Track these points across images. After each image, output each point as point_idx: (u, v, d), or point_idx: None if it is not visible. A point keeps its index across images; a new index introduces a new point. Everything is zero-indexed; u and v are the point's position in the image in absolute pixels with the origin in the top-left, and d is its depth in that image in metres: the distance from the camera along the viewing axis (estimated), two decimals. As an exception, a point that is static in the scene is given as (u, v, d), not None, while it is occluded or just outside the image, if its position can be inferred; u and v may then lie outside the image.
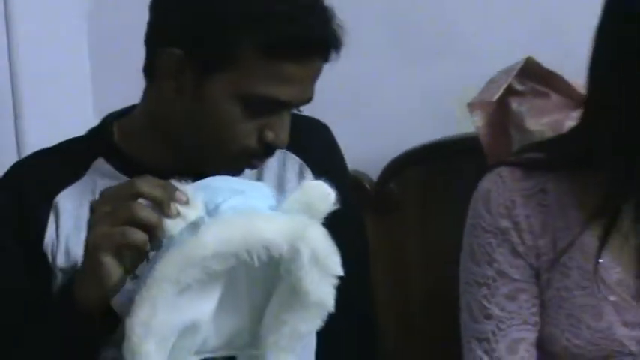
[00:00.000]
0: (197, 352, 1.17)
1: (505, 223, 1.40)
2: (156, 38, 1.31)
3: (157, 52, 1.28)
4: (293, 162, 1.45)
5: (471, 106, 1.59)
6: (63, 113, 1.93)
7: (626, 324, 1.38)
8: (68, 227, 1.34)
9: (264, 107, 1.29)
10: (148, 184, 1.09)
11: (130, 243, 1.09)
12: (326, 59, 1.29)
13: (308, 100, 1.32)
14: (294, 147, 1.43)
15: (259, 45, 1.25)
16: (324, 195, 1.16)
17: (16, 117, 1.93)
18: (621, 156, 1.33)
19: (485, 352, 1.41)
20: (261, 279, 1.17)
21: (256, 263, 1.10)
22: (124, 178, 1.28)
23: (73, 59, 1.99)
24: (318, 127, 1.53)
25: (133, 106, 1.40)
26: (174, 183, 1.11)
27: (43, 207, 1.34)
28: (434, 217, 1.78)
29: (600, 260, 1.37)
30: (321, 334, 1.34)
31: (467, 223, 1.44)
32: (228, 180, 1.18)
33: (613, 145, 1.33)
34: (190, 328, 1.15)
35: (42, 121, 1.91)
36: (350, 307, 1.34)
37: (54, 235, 1.34)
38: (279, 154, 1.41)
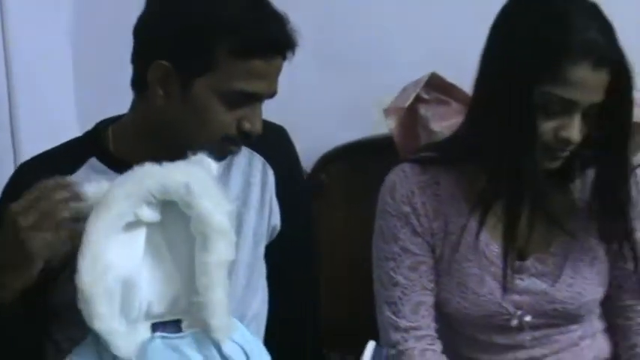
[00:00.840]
0: (146, 319, 1.18)
1: (406, 209, 1.49)
2: (143, 54, 1.34)
3: (145, 65, 1.31)
4: (257, 161, 1.49)
5: (387, 111, 1.68)
6: (51, 122, 1.96)
7: (504, 288, 1.48)
8: None
9: (241, 100, 1.32)
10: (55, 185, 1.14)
11: (63, 217, 1.13)
12: (284, 57, 1.34)
13: (274, 93, 1.36)
14: (258, 148, 1.46)
15: (233, 49, 1.29)
16: (204, 159, 1.23)
17: (13, 129, 1.92)
18: (494, 158, 1.41)
19: (393, 313, 1.50)
20: (179, 242, 1.19)
21: (154, 198, 1.14)
22: (114, 175, 1.27)
23: (59, 73, 2.02)
24: (278, 130, 1.56)
25: (121, 115, 1.42)
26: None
27: None
28: (355, 202, 1.84)
29: (480, 240, 1.47)
30: (276, 292, 1.49)
31: (377, 208, 1.52)
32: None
33: (488, 148, 1.42)
34: (129, 284, 1.17)
35: (35, 131, 1.92)
36: (298, 269, 1.54)
37: None
38: (246, 153, 1.45)
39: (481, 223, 1.45)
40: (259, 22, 1.31)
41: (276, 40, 1.32)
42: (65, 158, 1.40)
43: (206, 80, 1.31)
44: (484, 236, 1.48)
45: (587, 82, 1.35)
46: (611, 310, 1.58)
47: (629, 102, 1.39)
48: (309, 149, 1.79)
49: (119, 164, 1.33)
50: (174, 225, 1.18)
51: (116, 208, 1.14)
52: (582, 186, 1.52)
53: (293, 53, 1.34)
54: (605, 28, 1.35)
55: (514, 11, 1.41)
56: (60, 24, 2.05)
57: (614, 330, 1.58)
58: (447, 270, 1.49)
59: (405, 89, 1.71)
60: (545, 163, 1.42)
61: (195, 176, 1.17)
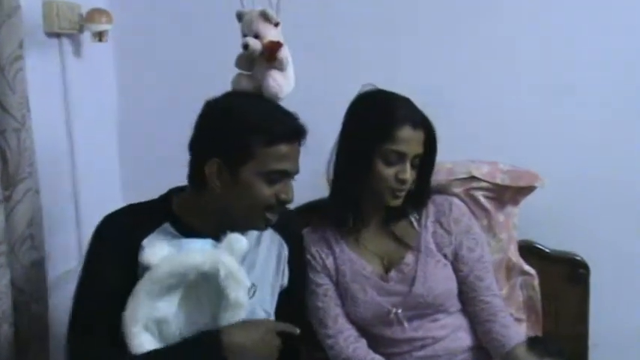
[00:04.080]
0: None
1: (308, 257, 1.94)
2: (198, 157, 1.59)
3: (200, 164, 1.55)
4: (277, 240, 1.78)
5: (328, 180, 1.94)
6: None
7: (380, 294, 1.87)
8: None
9: (276, 177, 1.58)
10: None
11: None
12: (301, 144, 1.60)
13: (297, 170, 1.62)
14: (279, 230, 1.76)
15: (265, 141, 1.55)
16: (237, 238, 1.52)
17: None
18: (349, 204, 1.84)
19: (323, 326, 1.90)
20: (213, 292, 1.50)
21: (191, 276, 1.42)
22: (181, 237, 1.56)
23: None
24: (292, 216, 1.84)
25: (184, 187, 1.66)
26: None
27: (134, 247, 1.58)
28: None
29: (358, 264, 1.88)
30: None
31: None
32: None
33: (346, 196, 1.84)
34: (163, 320, 1.48)
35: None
36: (296, 314, 1.83)
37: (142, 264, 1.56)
38: (270, 233, 1.73)
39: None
40: (280, 119, 1.60)
41: (294, 128, 1.61)
42: (144, 218, 1.64)
43: (249, 167, 1.59)
44: (360, 262, 1.93)
45: (411, 138, 1.79)
46: (465, 302, 1.95)
47: (434, 150, 1.84)
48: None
49: (186, 230, 1.62)
50: (207, 285, 1.50)
51: (159, 283, 1.45)
52: (421, 215, 1.92)
53: (305, 140, 1.63)
54: (411, 107, 1.80)
55: (357, 106, 1.86)
56: (105, 108, 2.34)
57: (475, 321, 1.93)
58: (343, 289, 1.91)
59: None
60: (391, 201, 1.84)
61: (224, 261, 1.46)
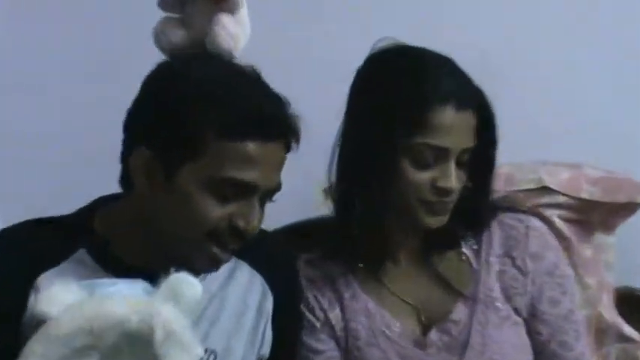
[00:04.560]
0: None
1: (301, 309, 1.57)
2: (127, 137, 1.35)
3: (128, 151, 1.32)
4: (258, 282, 1.49)
5: (326, 192, 1.65)
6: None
7: None
8: None
9: (233, 192, 1.30)
10: None
11: None
12: (287, 147, 1.33)
13: (275, 188, 1.33)
14: (261, 268, 1.48)
15: (223, 129, 1.28)
16: (187, 281, 1.24)
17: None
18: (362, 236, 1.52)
19: None
20: (145, 357, 1.22)
21: (110, 338, 1.18)
22: (102, 273, 1.32)
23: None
24: (286, 253, 1.57)
25: (117, 196, 1.41)
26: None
27: (24, 286, 1.33)
28: None
29: (380, 319, 1.55)
30: None
31: None
32: (115, 280, 1.28)
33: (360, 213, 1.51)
34: None
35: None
36: None
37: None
38: (247, 271, 1.47)
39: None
40: (253, 98, 1.30)
41: (273, 118, 1.31)
42: (47, 242, 1.38)
43: (193, 167, 1.29)
44: (383, 315, 1.57)
45: (455, 125, 1.46)
46: None
47: (492, 140, 1.52)
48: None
49: (110, 260, 1.35)
50: (134, 353, 1.22)
51: (58, 347, 1.20)
52: (480, 244, 1.60)
53: (297, 142, 1.33)
54: (460, 75, 1.49)
55: (373, 70, 1.52)
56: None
57: None
58: (355, 359, 1.58)
59: None
60: (427, 219, 1.50)
61: (163, 316, 1.18)
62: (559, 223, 1.89)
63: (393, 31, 1.59)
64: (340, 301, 1.61)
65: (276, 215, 1.58)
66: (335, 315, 1.60)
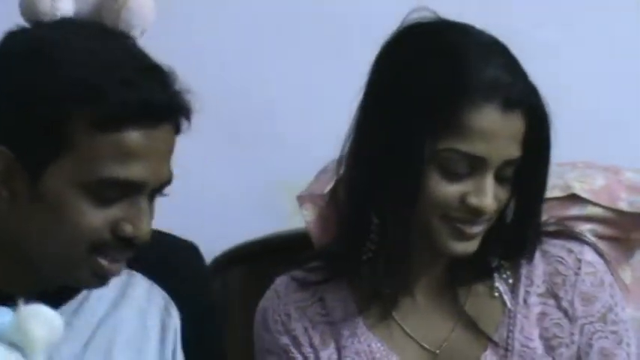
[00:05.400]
0: None
1: (284, 340, 1.42)
2: None
3: None
4: (157, 296, 1.40)
5: (301, 198, 1.58)
6: None
7: None
8: None
9: (115, 193, 1.21)
10: None
11: None
12: (177, 129, 1.24)
13: (166, 181, 1.25)
14: (159, 276, 1.39)
15: (95, 119, 1.17)
16: (44, 321, 1.07)
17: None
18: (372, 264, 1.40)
19: None
20: None
21: None
22: None
23: None
24: (185, 250, 1.50)
25: None
26: None
27: None
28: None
29: None
30: None
31: (255, 349, 1.47)
32: None
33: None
34: None
35: None
36: None
37: None
38: (144, 285, 1.37)
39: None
40: (130, 80, 1.21)
41: (154, 101, 1.21)
42: None
43: (60, 168, 1.19)
44: (394, 358, 1.48)
45: (495, 131, 1.34)
46: None
47: (545, 156, 1.42)
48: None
49: None
50: None
51: None
52: (518, 278, 1.49)
53: (187, 119, 1.25)
54: (510, 63, 1.37)
55: (396, 51, 1.41)
56: None
57: None
58: None
59: (324, 170, 1.61)
60: (451, 245, 1.39)
61: None
62: (590, 240, 1.62)
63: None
64: (336, 338, 1.47)
65: (228, 229, 1.68)
66: (328, 355, 1.46)
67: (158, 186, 1.24)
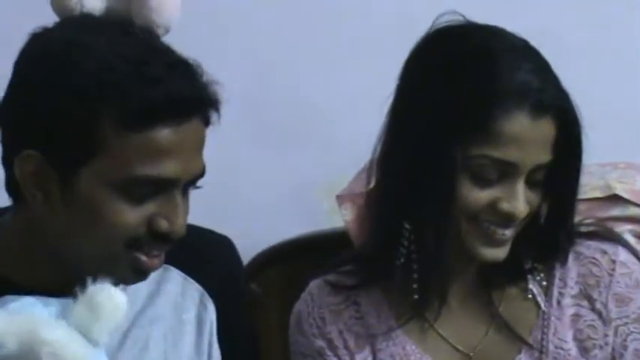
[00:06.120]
0: None
1: (319, 343, 1.42)
2: (7, 134, 1.23)
3: (10, 154, 1.20)
4: (193, 290, 1.38)
5: (340, 198, 1.58)
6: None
7: None
8: None
9: (148, 190, 1.20)
10: None
11: None
12: (206, 121, 1.23)
13: (199, 174, 1.24)
14: (194, 271, 1.38)
15: (120, 118, 1.16)
16: (107, 293, 1.11)
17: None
18: (413, 266, 1.38)
19: None
20: None
21: None
22: None
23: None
24: (220, 243, 1.47)
25: (4, 210, 1.31)
26: None
27: None
28: None
29: None
30: None
31: (290, 351, 1.46)
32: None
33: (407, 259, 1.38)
34: None
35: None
36: None
37: None
38: (179, 279, 1.36)
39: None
40: (156, 76, 1.19)
41: (181, 96, 1.19)
42: None
43: (93, 170, 1.19)
44: None
45: (526, 137, 1.32)
46: None
47: (576, 159, 1.39)
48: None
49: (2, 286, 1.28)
50: None
51: None
52: (551, 280, 1.48)
53: (217, 112, 1.24)
54: (540, 68, 1.35)
55: (425, 55, 1.39)
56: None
57: None
58: None
59: (364, 169, 1.56)
60: (482, 251, 1.37)
61: (46, 337, 1.09)
62: (632, 242, 1.62)
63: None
64: (371, 341, 1.46)
65: (266, 228, 1.68)
66: (363, 358, 1.45)
67: (191, 180, 1.23)
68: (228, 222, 1.56)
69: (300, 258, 1.76)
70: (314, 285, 1.47)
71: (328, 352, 1.43)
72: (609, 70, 2.04)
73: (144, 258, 1.22)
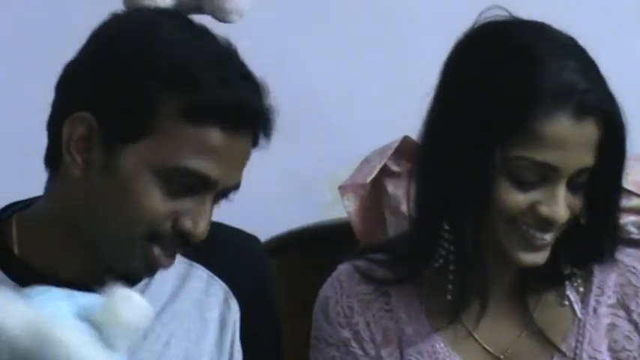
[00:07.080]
0: None
1: (345, 334, 1.40)
2: (60, 111, 1.23)
3: (62, 115, 1.21)
4: (218, 288, 1.39)
5: (343, 188, 1.57)
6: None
7: None
8: None
9: (186, 185, 1.21)
10: None
11: None
12: (255, 140, 1.24)
13: (235, 186, 1.25)
14: (218, 268, 1.38)
15: (183, 106, 1.18)
16: (135, 306, 1.10)
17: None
18: (455, 264, 1.37)
19: None
20: None
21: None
22: (13, 286, 1.22)
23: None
24: (248, 242, 1.48)
25: (33, 200, 1.32)
26: None
27: None
28: (300, 312, 1.61)
29: None
30: None
31: (311, 335, 1.43)
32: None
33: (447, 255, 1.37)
34: None
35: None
36: None
37: None
38: (203, 276, 1.37)
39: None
40: (229, 78, 1.21)
41: (249, 107, 1.22)
42: None
43: (141, 148, 1.21)
44: None
45: (568, 139, 1.28)
46: None
47: (620, 162, 1.36)
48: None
49: (23, 272, 1.27)
50: None
51: None
52: (589, 287, 1.45)
53: (266, 138, 1.26)
54: (586, 68, 1.30)
55: (466, 53, 1.36)
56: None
57: None
58: None
59: (367, 159, 1.60)
60: (520, 256, 1.34)
61: (59, 337, 1.08)
62: (635, 233, 1.60)
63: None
64: (399, 335, 1.44)
65: (268, 219, 1.69)
66: (389, 352, 1.43)
67: (227, 189, 1.24)
68: (230, 213, 1.46)
69: (303, 249, 1.76)
70: (343, 271, 1.44)
71: (354, 344, 1.42)
72: (612, 61, 2.03)
73: (158, 252, 1.23)
